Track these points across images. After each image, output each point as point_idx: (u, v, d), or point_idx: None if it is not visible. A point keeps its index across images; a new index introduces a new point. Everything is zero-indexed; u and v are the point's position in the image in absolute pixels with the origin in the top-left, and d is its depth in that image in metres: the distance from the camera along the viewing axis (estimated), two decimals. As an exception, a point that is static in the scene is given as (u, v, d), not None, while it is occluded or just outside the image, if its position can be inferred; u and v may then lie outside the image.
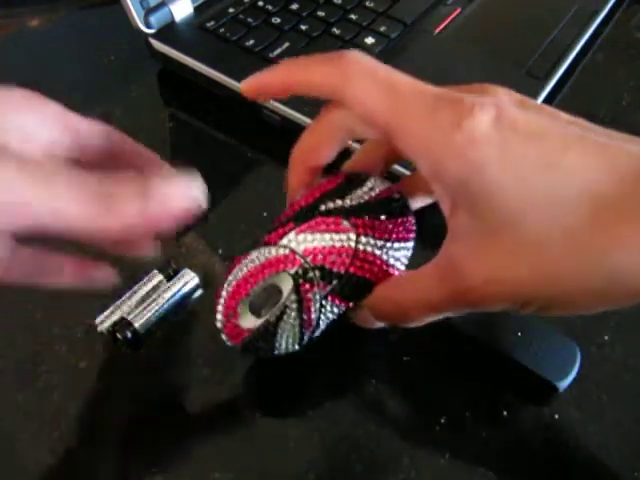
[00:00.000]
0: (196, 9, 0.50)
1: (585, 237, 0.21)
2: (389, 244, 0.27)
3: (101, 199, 0.21)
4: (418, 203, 0.30)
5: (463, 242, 0.23)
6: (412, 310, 0.26)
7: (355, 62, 0.25)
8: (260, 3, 0.50)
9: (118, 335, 0.33)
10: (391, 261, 0.27)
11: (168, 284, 0.34)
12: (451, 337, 0.33)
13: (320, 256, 0.26)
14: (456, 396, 0.31)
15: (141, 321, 0.33)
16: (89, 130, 0.28)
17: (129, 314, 0.33)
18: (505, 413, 0.31)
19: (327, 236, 0.26)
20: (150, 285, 0.34)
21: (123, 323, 0.33)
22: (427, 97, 0.23)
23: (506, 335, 0.32)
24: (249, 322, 0.27)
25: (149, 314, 0.33)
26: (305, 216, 0.27)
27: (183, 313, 0.34)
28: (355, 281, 0.26)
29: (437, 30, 0.49)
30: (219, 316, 0.28)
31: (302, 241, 0.26)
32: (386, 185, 0.28)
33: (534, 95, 0.43)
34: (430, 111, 0.22)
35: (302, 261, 0.26)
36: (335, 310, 0.27)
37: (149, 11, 0.47)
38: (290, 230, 0.27)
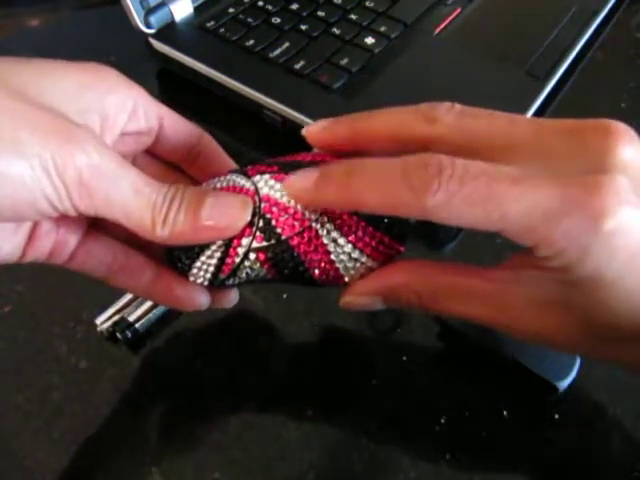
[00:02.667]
0: (196, 9, 0.50)
1: None
2: (347, 247, 0.24)
3: (158, 209, 0.23)
4: None
5: (533, 291, 0.22)
6: (439, 310, 0.24)
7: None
8: (260, 3, 0.50)
9: (118, 335, 0.33)
10: (337, 264, 0.25)
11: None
12: (451, 337, 0.33)
13: (274, 208, 0.24)
14: (456, 396, 0.31)
15: (141, 321, 0.33)
16: (174, 124, 0.28)
17: (129, 314, 0.33)
18: (505, 413, 0.31)
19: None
20: (150, 285, 0.34)
21: (123, 323, 0.33)
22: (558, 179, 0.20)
23: (506, 335, 0.32)
24: None
25: (149, 314, 0.33)
26: (292, 169, 0.25)
27: (183, 313, 0.34)
28: (290, 255, 0.24)
29: (437, 30, 0.49)
30: None
31: (270, 187, 0.25)
32: None
33: (534, 95, 0.43)
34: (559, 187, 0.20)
35: (256, 203, 0.25)
36: (256, 270, 0.25)
37: (149, 11, 0.47)
38: (270, 172, 0.25)
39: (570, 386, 0.31)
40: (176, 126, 0.28)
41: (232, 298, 0.29)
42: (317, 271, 0.25)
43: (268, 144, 0.43)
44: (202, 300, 0.27)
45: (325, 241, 0.24)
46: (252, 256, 0.25)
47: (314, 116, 0.41)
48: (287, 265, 0.25)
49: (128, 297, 0.34)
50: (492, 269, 0.23)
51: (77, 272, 0.27)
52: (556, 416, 0.30)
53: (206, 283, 0.26)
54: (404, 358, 0.33)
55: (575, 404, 0.31)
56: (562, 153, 0.21)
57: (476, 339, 0.32)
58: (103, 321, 0.33)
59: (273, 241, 0.24)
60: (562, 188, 0.20)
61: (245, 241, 0.25)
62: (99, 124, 0.25)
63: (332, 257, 0.24)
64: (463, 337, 0.32)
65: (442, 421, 0.30)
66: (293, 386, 0.32)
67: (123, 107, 0.25)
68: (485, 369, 0.32)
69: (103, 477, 0.29)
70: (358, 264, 0.25)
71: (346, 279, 0.25)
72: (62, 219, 0.25)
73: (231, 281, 0.26)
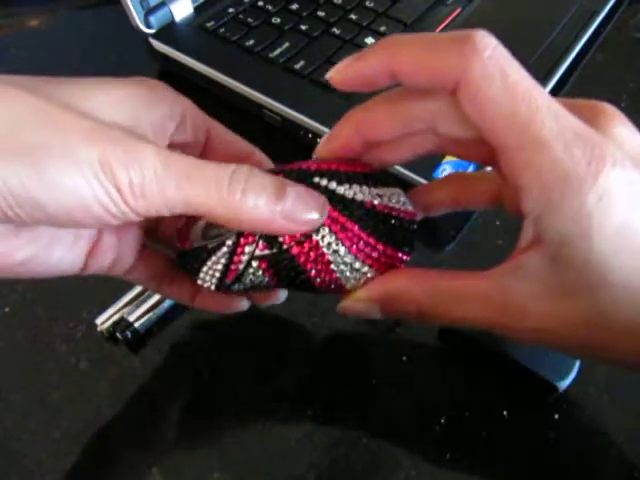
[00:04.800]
0: (196, 9, 0.50)
1: None
2: (348, 258, 0.24)
3: (236, 191, 0.22)
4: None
5: (532, 284, 0.22)
6: (439, 317, 0.24)
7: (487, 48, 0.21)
8: (260, 3, 0.50)
9: (118, 335, 0.33)
10: (338, 274, 0.25)
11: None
12: (451, 337, 0.33)
13: None
14: (456, 396, 0.31)
15: (141, 321, 0.33)
16: (223, 138, 0.28)
17: (129, 314, 0.33)
18: (505, 413, 0.31)
19: None
20: (150, 285, 0.34)
21: (123, 323, 0.33)
22: (565, 129, 0.20)
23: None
24: (196, 237, 0.27)
25: (149, 314, 0.33)
26: (296, 177, 0.25)
27: (183, 313, 0.34)
28: (291, 264, 0.25)
29: (437, 30, 0.49)
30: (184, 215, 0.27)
31: None
32: (408, 207, 0.26)
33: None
34: (565, 146, 0.20)
35: None
36: (259, 277, 0.25)
37: (149, 11, 0.47)
38: None
39: (570, 386, 0.31)
40: (225, 140, 0.28)
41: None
42: (318, 280, 0.25)
43: (268, 144, 0.43)
44: (240, 304, 0.29)
45: (326, 251, 0.24)
46: (254, 264, 0.25)
47: (314, 116, 0.41)
48: (288, 274, 0.25)
49: (128, 297, 0.34)
50: (490, 270, 0.23)
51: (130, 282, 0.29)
52: (556, 416, 0.30)
53: (213, 287, 0.26)
54: (404, 358, 0.33)
55: (575, 404, 0.31)
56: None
57: (476, 339, 0.32)
58: (103, 321, 0.33)
59: (275, 250, 0.24)
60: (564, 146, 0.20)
61: (248, 249, 0.25)
62: (150, 134, 0.24)
63: (332, 267, 0.24)
64: (463, 337, 0.32)
65: (442, 421, 0.30)
66: (293, 386, 0.32)
67: (171, 117, 0.25)
68: (485, 369, 0.32)
69: (103, 477, 0.29)
70: (359, 274, 0.25)
71: (348, 288, 0.25)
72: (122, 234, 0.26)
73: (236, 286, 0.26)
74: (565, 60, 0.47)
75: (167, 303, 0.34)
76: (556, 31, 0.49)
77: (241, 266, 0.25)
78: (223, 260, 0.25)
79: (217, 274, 0.26)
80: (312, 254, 0.24)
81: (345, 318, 0.34)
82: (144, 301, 0.34)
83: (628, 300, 0.20)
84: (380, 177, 0.26)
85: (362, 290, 0.25)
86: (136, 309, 0.33)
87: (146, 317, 0.33)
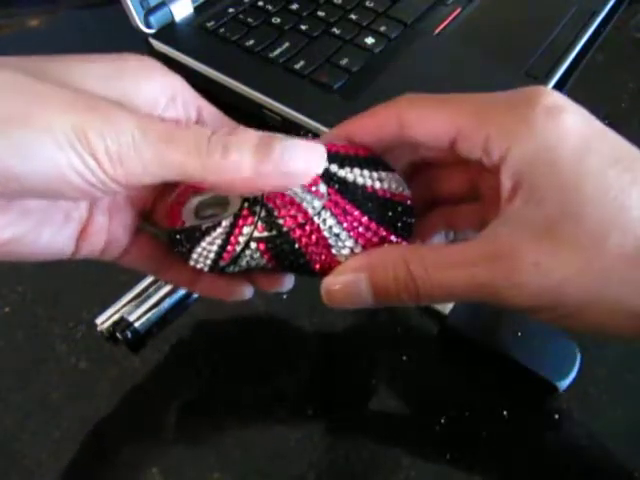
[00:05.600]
0: (196, 9, 0.50)
1: None
2: (349, 242, 0.24)
3: (216, 149, 0.21)
4: None
5: (518, 227, 0.22)
6: (430, 284, 0.23)
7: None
8: (260, 3, 0.50)
9: (118, 335, 0.33)
10: (338, 258, 0.24)
11: (168, 284, 0.34)
12: (451, 337, 0.33)
13: (277, 200, 0.24)
14: (456, 396, 0.31)
15: (141, 321, 0.33)
16: (212, 118, 0.28)
17: (129, 314, 0.33)
18: (505, 413, 0.31)
19: (298, 188, 0.24)
20: (150, 285, 0.34)
21: (123, 323, 0.33)
22: (502, 95, 0.23)
23: (506, 335, 0.32)
24: (188, 216, 0.26)
25: (149, 314, 0.33)
26: None
27: (183, 313, 0.34)
28: (290, 247, 0.24)
29: (437, 30, 0.49)
30: (175, 193, 0.27)
31: None
32: (406, 192, 0.26)
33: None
34: (507, 98, 0.23)
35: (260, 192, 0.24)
36: (257, 259, 0.25)
37: (149, 11, 0.47)
38: None
39: (570, 386, 0.31)
40: (214, 120, 0.28)
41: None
42: (318, 264, 0.25)
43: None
44: (244, 290, 0.28)
45: (326, 234, 0.24)
46: (253, 245, 0.25)
47: (314, 116, 0.41)
48: (287, 257, 0.25)
49: (128, 297, 0.34)
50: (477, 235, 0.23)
51: (129, 268, 0.28)
52: (556, 416, 0.30)
53: (206, 269, 0.26)
54: (404, 358, 0.33)
55: (575, 404, 0.31)
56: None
57: (476, 339, 0.32)
58: (103, 321, 0.33)
59: (274, 232, 0.24)
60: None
61: (246, 230, 0.24)
62: (139, 107, 0.24)
63: (333, 251, 0.24)
64: (463, 337, 0.32)
65: (442, 421, 0.30)
66: (293, 386, 0.32)
67: (162, 92, 0.25)
68: (485, 369, 0.32)
69: (103, 477, 0.29)
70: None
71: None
72: (114, 214, 0.26)
73: (231, 268, 0.26)
74: (565, 60, 0.47)
75: (167, 303, 0.34)
76: (556, 31, 0.49)
77: (238, 248, 0.25)
78: (219, 241, 0.25)
79: (212, 255, 0.25)
80: (313, 237, 0.24)
81: (345, 318, 0.34)
82: (144, 301, 0.34)
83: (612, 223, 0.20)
84: (381, 161, 0.26)
85: (348, 261, 0.24)
86: (136, 309, 0.33)
87: (146, 317, 0.33)
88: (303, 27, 0.48)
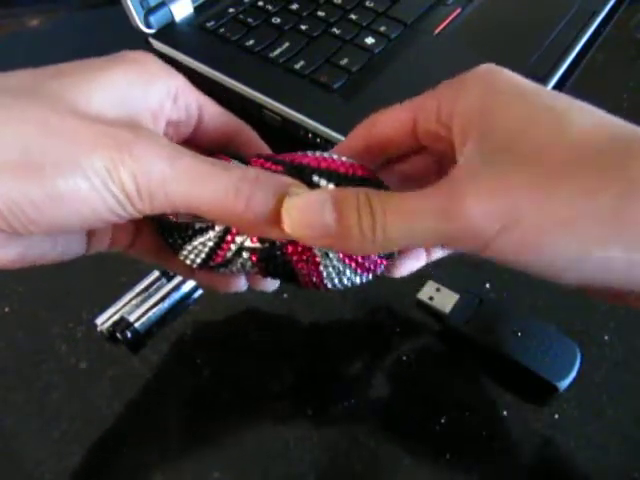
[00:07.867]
0: (196, 9, 0.50)
1: (590, 152, 0.20)
2: (336, 262, 0.25)
3: (240, 195, 0.22)
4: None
5: (466, 164, 0.22)
6: (396, 232, 0.22)
7: None
8: (260, 3, 0.50)
9: (118, 335, 0.33)
10: (324, 274, 0.25)
11: (168, 284, 0.34)
12: (451, 337, 0.33)
13: None
14: (456, 396, 0.31)
15: (141, 321, 0.33)
16: (214, 115, 0.28)
17: (129, 314, 0.33)
18: (505, 413, 0.31)
19: None
20: (151, 285, 0.34)
21: (123, 323, 0.33)
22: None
23: (506, 335, 0.32)
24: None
25: (149, 314, 0.33)
26: (295, 172, 0.24)
27: (183, 313, 0.34)
28: (281, 260, 0.25)
29: (437, 30, 0.49)
30: None
31: None
32: None
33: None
34: (457, 76, 0.24)
35: None
36: (247, 266, 0.26)
37: (149, 11, 0.47)
38: (272, 171, 0.25)
39: (570, 386, 0.31)
40: (216, 116, 0.28)
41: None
42: (305, 278, 0.25)
43: (268, 144, 0.43)
44: (240, 283, 0.29)
45: (317, 253, 0.24)
46: (245, 255, 0.25)
47: (314, 116, 0.41)
48: (277, 269, 0.25)
49: (128, 297, 0.34)
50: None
51: (135, 258, 0.29)
52: (556, 416, 0.30)
53: (195, 266, 0.26)
54: (404, 358, 0.33)
55: (575, 404, 0.31)
56: None
57: (476, 339, 0.32)
58: (103, 321, 0.33)
59: (267, 245, 0.25)
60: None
61: (239, 239, 0.25)
62: (150, 119, 0.25)
63: (320, 268, 0.25)
64: (463, 337, 0.32)
65: (442, 421, 0.30)
66: (293, 386, 0.32)
67: (167, 96, 0.25)
68: (485, 369, 0.32)
69: (103, 477, 0.29)
70: (342, 276, 0.25)
71: (329, 286, 0.26)
72: None
73: (221, 270, 0.26)
74: (565, 60, 0.47)
75: (167, 303, 0.34)
76: (556, 31, 0.49)
77: (229, 253, 0.25)
78: (210, 244, 0.25)
79: (202, 255, 0.26)
80: (305, 255, 0.24)
81: (345, 318, 0.34)
82: (144, 301, 0.34)
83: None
84: (377, 183, 0.26)
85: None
86: (136, 309, 0.33)
87: (146, 317, 0.33)
88: (303, 27, 0.48)
